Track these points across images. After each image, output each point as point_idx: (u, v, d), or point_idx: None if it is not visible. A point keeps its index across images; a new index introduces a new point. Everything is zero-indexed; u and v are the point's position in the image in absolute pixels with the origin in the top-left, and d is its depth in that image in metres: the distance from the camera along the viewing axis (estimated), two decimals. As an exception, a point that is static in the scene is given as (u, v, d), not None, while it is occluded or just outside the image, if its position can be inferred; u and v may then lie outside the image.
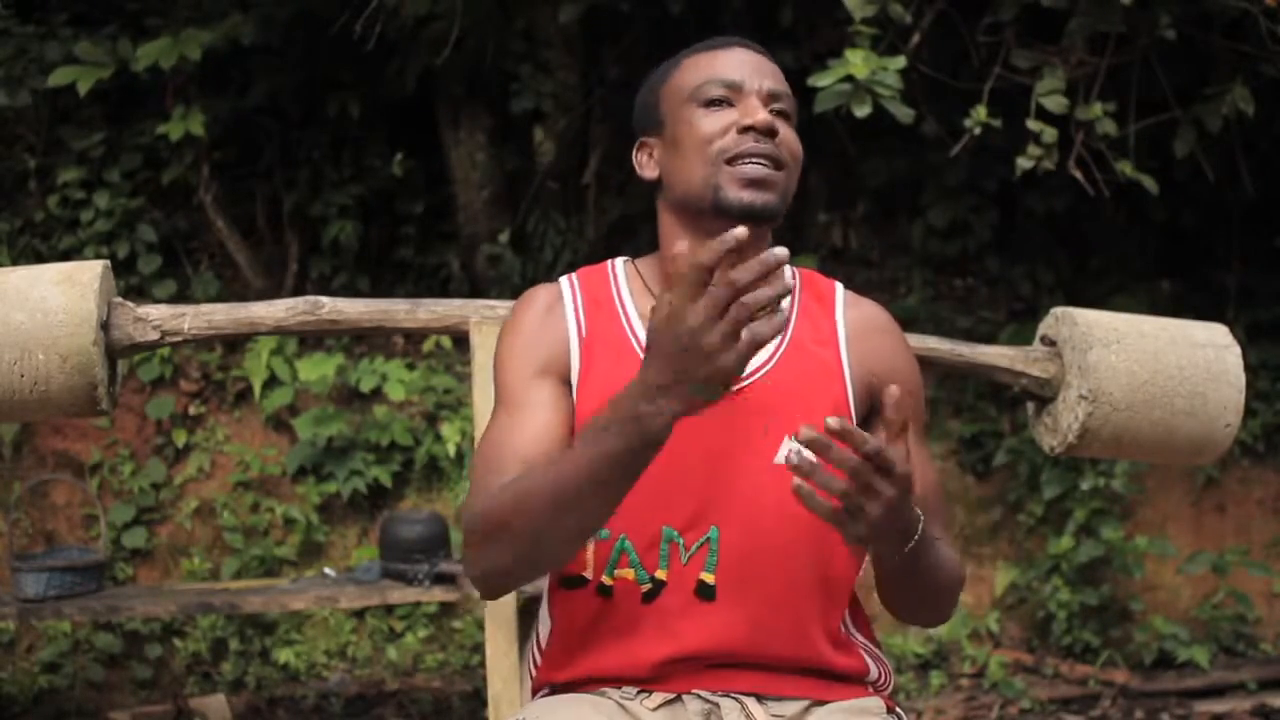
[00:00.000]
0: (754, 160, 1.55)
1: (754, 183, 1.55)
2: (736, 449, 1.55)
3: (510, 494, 1.44)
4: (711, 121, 1.57)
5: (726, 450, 1.54)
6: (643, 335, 1.59)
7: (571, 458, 1.38)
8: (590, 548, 1.55)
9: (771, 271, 1.25)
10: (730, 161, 1.56)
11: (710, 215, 1.57)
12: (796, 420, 1.56)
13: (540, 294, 1.65)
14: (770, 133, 1.56)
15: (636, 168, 1.67)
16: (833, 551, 1.57)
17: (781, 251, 1.26)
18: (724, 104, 1.58)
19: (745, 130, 1.56)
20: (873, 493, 1.30)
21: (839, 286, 1.71)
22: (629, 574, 1.54)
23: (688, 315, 1.26)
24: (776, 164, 1.56)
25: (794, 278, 1.69)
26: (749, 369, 1.58)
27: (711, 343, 1.26)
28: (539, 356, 1.59)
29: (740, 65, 1.60)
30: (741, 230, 1.25)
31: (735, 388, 1.47)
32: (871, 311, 1.69)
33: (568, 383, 1.58)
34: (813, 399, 1.58)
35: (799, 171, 1.62)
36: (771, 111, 1.58)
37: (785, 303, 1.65)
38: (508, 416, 1.57)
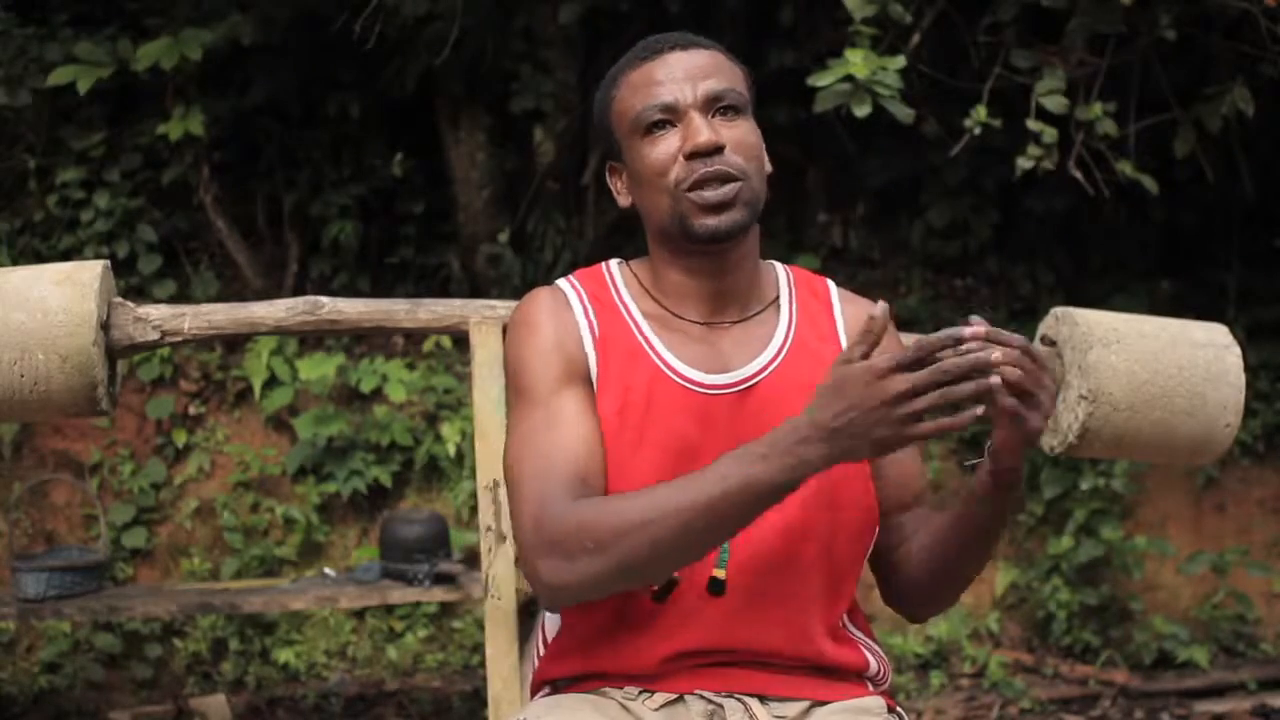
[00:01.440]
0: (709, 183, 1.54)
1: (715, 207, 1.54)
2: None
3: (620, 511, 1.43)
4: (658, 151, 1.56)
5: (738, 446, 1.55)
6: (650, 336, 1.60)
7: (713, 483, 1.40)
8: None
9: (979, 370, 1.32)
10: (688, 189, 1.55)
11: (683, 239, 1.58)
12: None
13: (546, 294, 1.64)
14: (716, 150, 1.54)
15: (613, 193, 1.67)
16: (836, 542, 1.58)
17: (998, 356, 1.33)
18: (666, 126, 1.56)
19: (691, 156, 1.54)
20: (1039, 383, 1.38)
21: (830, 283, 1.73)
22: None
23: (895, 382, 1.31)
24: (733, 178, 1.55)
25: (787, 275, 1.71)
26: (757, 365, 1.59)
27: (902, 414, 1.32)
28: (561, 358, 1.57)
29: (671, 78, 1.57)
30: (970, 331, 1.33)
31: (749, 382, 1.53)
32: (868, 307, 1.69)
33: (589, 383, 1.58)
34: None
35: (762, 165, 1.60)
36: (717, 112, 1.56)
37: (783, 297, 1.67)
38: (543, 419, 1.54)
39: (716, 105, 1.57)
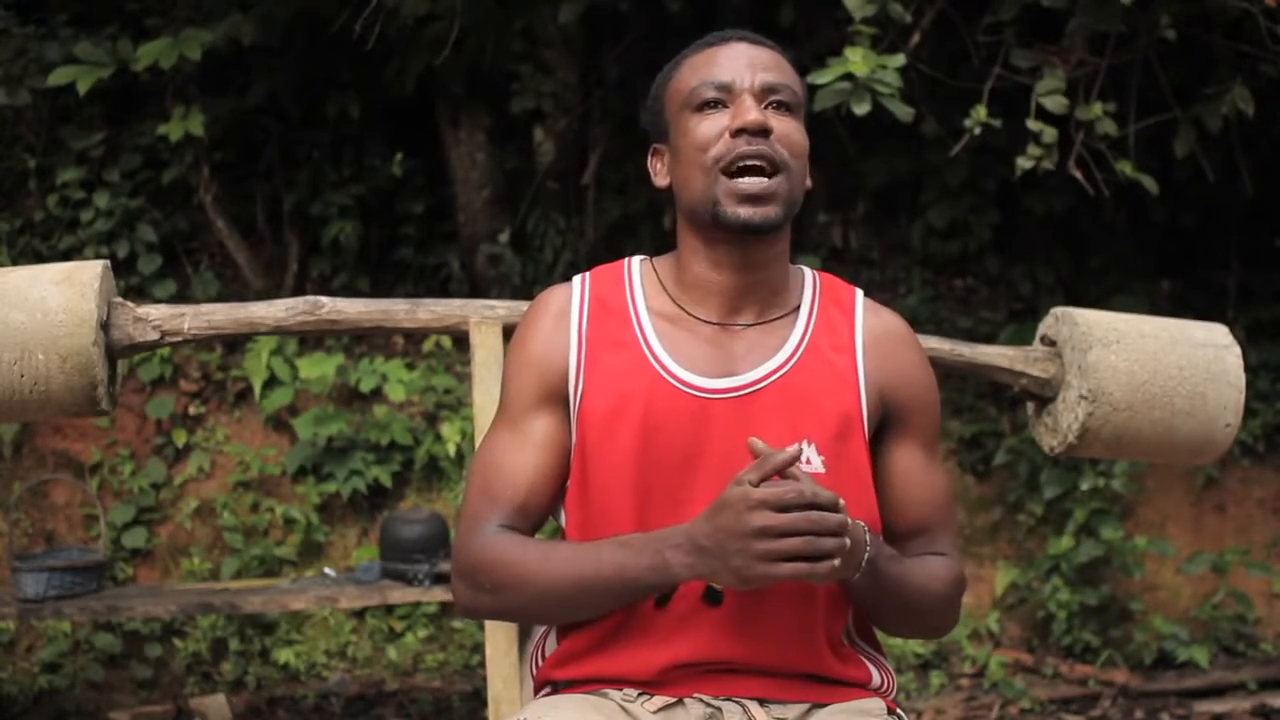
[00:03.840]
0: (749, 166, 1.53)
1: (751, 198, 1.53)
2: (747, 452, 1.55)
3: (515, 561, 1.52)
4: (706, 127, 1.56)
5: (739, 452, 1.54)
6: (653, 339, 1.60)
7: (591, 562, 1.48)
8: None
9: (841, 531, 1.38)
10: (727, 171, 1.54)
11: (712, 227, 1.57)
12: (808, 425, 1.56)
13: (552, 300, 1.65)
14: (763, 132, 1.53)
15: (651, 174, 1.67)
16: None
17: (847, 524, 1.40)
18: (718, 106, 1.56)
19: (738, 133, 1.54)
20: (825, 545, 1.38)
21: (859, 294, 1.70)
22: None
23: (760, 516, 1.37)
24: (774, 166, 1.54)
25: (814, 282, 1.68)
26: (764, 370, 1.58)
27: (760, 549, 1.37)
28: (541, 378, 1.61)
29: (733, 62, 1.58)
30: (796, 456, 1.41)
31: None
32: (891, 321, 1.68)
33: (566, 402, 1.60)
34: (825, 405, 1.58)
35: (804, 167, 1.59)
36: (770, 105, 1.56)
37: (804, 305, 1.65)
38: (508, 434, 1.61)
39: (771, 97, 1.57)
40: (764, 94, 1.56)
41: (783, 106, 1.57)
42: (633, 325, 1.61)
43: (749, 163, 1.54)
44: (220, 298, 4.87)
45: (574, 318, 1.62)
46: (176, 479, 4.61)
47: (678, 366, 1.58)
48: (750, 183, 1.53)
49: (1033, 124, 3.86)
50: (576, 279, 1.67)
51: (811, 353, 1.61)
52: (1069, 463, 4.57)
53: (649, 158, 1.67)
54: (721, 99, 1.56)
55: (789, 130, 1.57)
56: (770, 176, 1.54)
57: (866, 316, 1.66)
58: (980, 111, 3.84)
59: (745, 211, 1.53)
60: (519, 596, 1.52)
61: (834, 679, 1.58)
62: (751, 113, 1.54)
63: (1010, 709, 4.27)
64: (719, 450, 1.54)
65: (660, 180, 1.65)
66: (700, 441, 1.54)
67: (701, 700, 1.54)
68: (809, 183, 1.62)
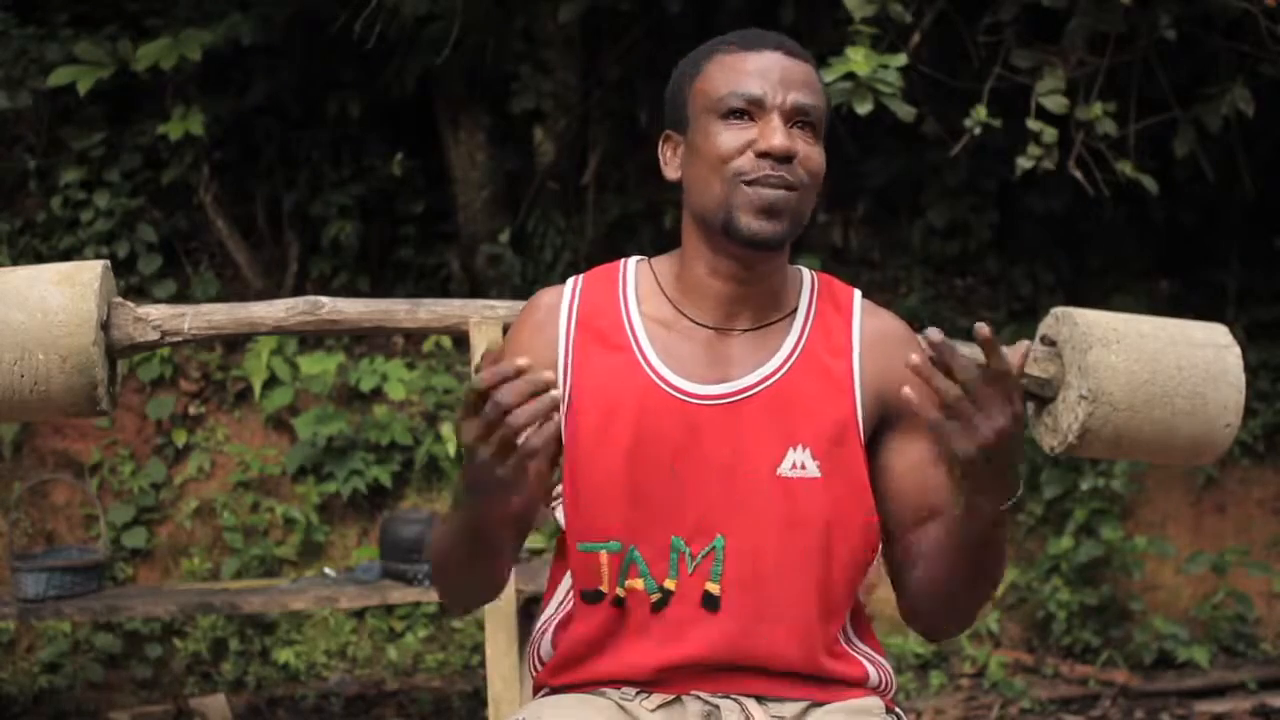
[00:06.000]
0: (768, 184, 1.52)
1: (766, 210, 1.51)
2: (742, 457, 1.54)
3: (434, 541, 1.60)
4: (730, 138, 1.53)
5: (732, 458, 1.54)
6: (647, 345, 1.59)
7: (444, 524, 1.55)
8: (604, 560, 1.55)
9: (541, 390, 1.31)
10: (746, 183, 1.53)
11: (722, 235, 1.55)
12: (802, 431, 1.55)
13: (541, 304, 1.64)
14: (787, 158, 1.52)
15: (660, 161, 1.64)
16: (834, 560, 1.56)
17: (549, 375, 1.32)
18: (745, 117, 1.54)
19: (762, 154, 1.52)
20: (989, 410, 1.34)
21: (857, 294, 1.67)
22: (639, 584, 1.55)
23: (463, 432, 1.35)
24: (791, 187, 1.53)
25: (811, 284, 1.67)
26: (758, 376, 1.57)
27: (484, 458, 1.34)
28: None
29: (766, 75, 1.55)
30: (521, 363, 1.32)
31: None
32: (890, 323, 1.66)
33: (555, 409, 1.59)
34: (820, 410, 1.57)
35: (817, 188, 1.58)
36: (796, 124, 1.54)
37: (801, 308, 1.63)
38: None
39: (799, 117, 1.54)
40: (793, 114, 1.54)
41: (809, 126, 1.55)
42: (625, 329, 1.60)
43: (768, 184, 1.52)
44: (220, 298, 4.87)
45: (562, 322, 1.61)
46: (176, 479, 4.61)
47: (670, 372, 1.57)
48: (770, 191, 1.52)
49: (1033, 124, 3.86)
50: (570, 281, 1.66)
51: (807, 357, 1.59)
52: (1069, 463, 4.57)
53: (660, 144, 1.64)
54: (750, 112, 1.54)
55: (811, 153, 1.55)
56: (787, 191, 1.53)
57: (864, 319, 1.64)
58: (980, 111, 3.84)
59: (757, 224, 1.52)
60: (438, 571, 1.59)
61: (830, 678, 1.58)
62: (778, 136, 1.52)
63: (1010, 709, 4.27)
64: (711, 457, 1.54)
65: (671, 173, 1.62)
66: (692, 448, 1.53)
67: (699, 698, 1.54)
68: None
